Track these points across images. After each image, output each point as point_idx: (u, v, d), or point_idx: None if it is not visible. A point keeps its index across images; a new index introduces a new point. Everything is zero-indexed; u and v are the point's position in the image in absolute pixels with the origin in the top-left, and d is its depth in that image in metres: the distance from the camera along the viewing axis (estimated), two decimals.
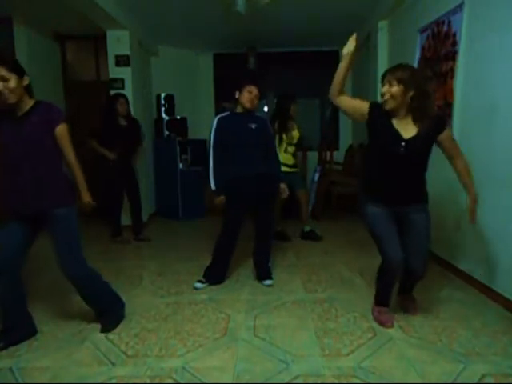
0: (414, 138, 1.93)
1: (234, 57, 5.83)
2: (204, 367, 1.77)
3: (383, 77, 1.96)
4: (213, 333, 2.09)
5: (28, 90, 1.90)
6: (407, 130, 1.95)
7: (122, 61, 4.41)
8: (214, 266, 2.78)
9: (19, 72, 1.83)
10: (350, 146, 5.51)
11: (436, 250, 3.04)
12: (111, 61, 4.42)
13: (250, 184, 2.65)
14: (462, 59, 2.72)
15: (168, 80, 5.56)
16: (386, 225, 2.02)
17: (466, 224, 2.06)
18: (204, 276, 2.78)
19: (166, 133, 5.15)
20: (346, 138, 5.94)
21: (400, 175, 1.98)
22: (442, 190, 2.70)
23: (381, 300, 2.20)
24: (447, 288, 2.66)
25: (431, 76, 3.12)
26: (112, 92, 4.28)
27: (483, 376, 1.67)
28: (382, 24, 4.26)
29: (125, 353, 1.90)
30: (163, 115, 5.16)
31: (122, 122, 3.86)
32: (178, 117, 5.27)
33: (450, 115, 2.85)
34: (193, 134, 5.45)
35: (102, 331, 2.11)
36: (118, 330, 2.14)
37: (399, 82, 1.88)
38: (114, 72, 4.44)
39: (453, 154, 2.00)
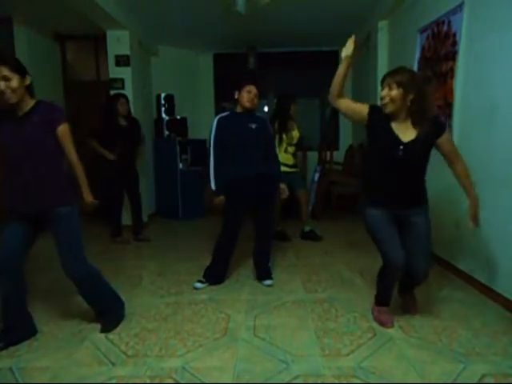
0: (412, 141, 1.93)
1: (234, 57, 5.83)
2: (204, 367, 1.77)
3: (383, 80, 1.97)
4: (213, 333, 2.09)
5: (29, 90, 1.90)
6: (406, 133, 1.95)
7: (121, 61, 4.41)
8: (214, 266, 2.78)
9: (21, 72, 1.84)
10: (350, 146, 5.51)
11: (436, 250, 3.04)
12: (111, 61, 4.42)
13: (249, 184, 2.65)
14: (462, 59, 2.72)
15: (168, 80, 5.57)
16: (387, 227, 2.02)
17: (466, 225, 2.05)
18: (204, 276, 2.78)
19: (166, 133, 5.15)
20: (346, 138, 5.94)
21: (399, 178, 1.98)
22: (442, 190, 2.70)
23: (381, 300, 2.20)
24: (447, 288, 2.66)
25: (431, 76, 3.12)
26: (112, 92, 4.28)
27: (483, 376, 1.67)
28: (382, 24, 4.26)
29: (125, 353, 1.90)
30: (163, 115, 5.16)
31: (122, 122, 3.86)
32: (178, 117, 5.28)
33: (449, 115, 2.85)
34: (193, 134, 5.45)
35: (102, 331, 2.11)
36: (117, 329, 2.14)
37: (399, 85, 1.88)
38: (114, 72, 4.44)
39: (452, 158, 2.00)
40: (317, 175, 4.98)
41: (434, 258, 3.04)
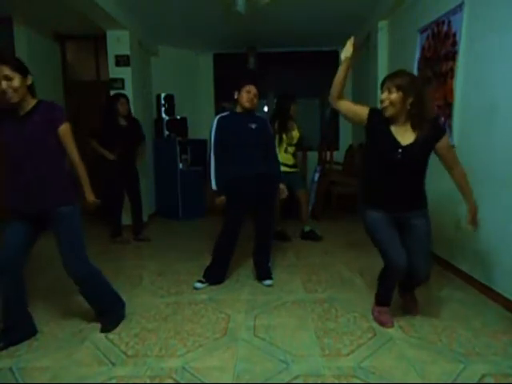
0: (411, 144, 1.93)
1: (234, 57, 5.83)
2: (204, 367, 1.77)
3: (382, 83, 1.97)
4: (213, 333, 2.09)
5: (31, 90, 1.90)
6: (405, 136, 1.95)
7: (122, 61, 4.41)
8: (214, 266, 2.78)
9: (23, 71, 1.84)
10: (350, 146, 5.51)
11: (436, 250, 3.04)
12: (111, 61, 4.43)
13: (249, 184, 2.65)
14: (462, 59, 2.72)
15: (168, 80, 5.57)
16: (387, 229, 2.02)
17: (465, 227, 2.07)
18: (204, 276, 2.78)
19: (166, 133, 5.15)
20: (346, 138, 5.94)
21: (398, 181, 1.99)
22: (443, 190, 2.70)
23: (381, 300, 2.20)
24: (447, 288, 2.66)
25: (431, 76, 3.12)
26: (112, 92, 4.28)
27: (483, 376, 1.67)
28: (382, 24, 4.26)
29: (125, 353, 1.90)
30: (163, 115, 5.16)
31: (123, 122, 3.86)
32: (178, 117, 5.28)
33: (449, 115, 2.85)
34: (193, 134, 5.45)
35: (102, 331, 2.11)
36: (118, 329, 2.14)
37: (398, 88, 1.89)
38: (114, 72, 4.44)
39: (451, 163, 2.00)
40: (317, 175, 4.98)
41: (434, 257, 3.04)
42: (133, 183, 4.00)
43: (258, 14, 3.96)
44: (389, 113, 1.94)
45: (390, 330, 2.08)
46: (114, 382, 1.68)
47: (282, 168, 3.05)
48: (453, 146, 2.77)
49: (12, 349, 1.95)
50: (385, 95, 1.93)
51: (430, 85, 3.13)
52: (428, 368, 1.73)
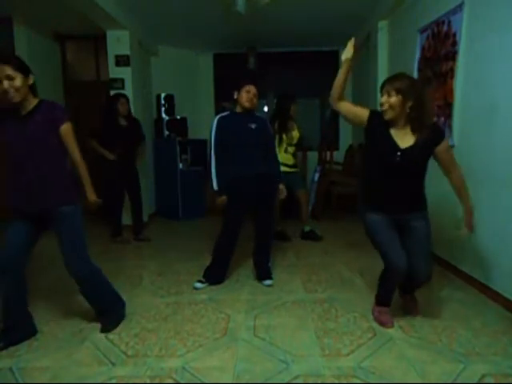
0: (411, 147, 1.94)
1: (234, 57, 5.83)
2: (204, 367, 1.77)
3: (382, 87, 1.97)
4: (213, 333, 2.09)
5: (32, 89, 1.90)
6: (404, 139, 1.96)
7: (122, 61, 4.41)
8: (214, 266, 2.78)
9: (25, 71, 1.84)
10: (350, 146, 5.51)
11: (436, 251, 3.04)
12: (111, 61, 4.42)
13: (250, 184, 2.65)
14: (462, 59, 2.72)
15: (168, 80, 5.57)
16: (387, 231, 2.02)
17: (462, 228, 2.09)
18: (204, 276, 2.78)
19: (166, 133, 5.15)
20: (346, 138, 5.94)
21: (398, 183, 1.99)
22: (442, 190, 2.70)
23: (382, 301, 2.20)
24: (447, 288, 2.66)
25: (431, 76, 3.12)
26: (112, 92, 4.28)
27: (483, 376, 1.67)
28: (382, 24, 4.26)
29: (125, 353, 1.90)
30: (163, 115, 5.16)
31: (123, 122, 3.86)
32: (178, 117, 5.28)
33: (449, 115, 2.86)
34: (193, 134, 5.45)
35: (102, 331, 2.11)
36: (118, 329, 2.14)
37: (398, 92, 1.89)
38: (114, 72, 4.44)
39: (449, 167, 2.00)
40: (317, 175, 4.98)
41: (435, 258, 3.04)
42: (133, 183, 4.00)
43: (258, 14, 3.96)
44: (388, 116, 1.94)
45: (390, 330, 2.08)
46: (113, 381, 1.68)
47: (282, 168, 3.05)
48: (453, 146, 2.78)
49: (12, 349, 1.95)
50: (384, 98, 1.93)
51: (429, 85, 3.13)
52: (428, 368, 1.73)
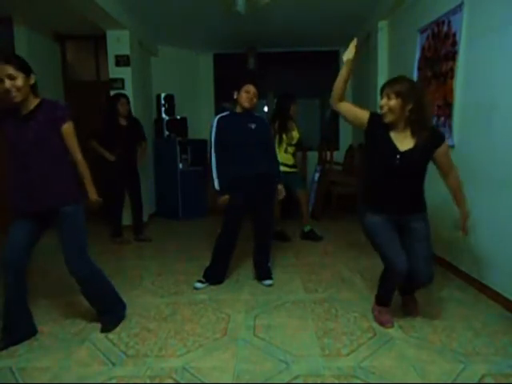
0: (410, 150, 1.94)
1: (234, 57, 5.83)
2: (204, 367, 1.77)
3: (382, 89, 1.97)
4: (213, 333, 2.09)
5: (33, 89, 1.90)
6: (404, 142, 1.96)
7: (122, 61, 4.41)
8: (214, 266, 2.78)
9: (26, 71, 1.84)
10: (350, 146, 5.51)
11: (436, 251, 3.03)
12: (111, 61, 4.42)
13: (249, 184, 2.65)
14: (462, 59, 2.72)
15: (168, 80, 5.57)
16: (387, 232, 2.02)
17: (459, 231, 2.11)
18: (204, 276, 2.78)
19: (166, 133, 5.15)
20: (346, 138, 5.94)
21: (398, 185, 1.99)
22: (442, 190, 2.70)
23: (382, 300, 2.19)
24: (447, 288, 2.66)
25: (431, 76, 3.12)
26: (112, 92, 4.28)
27: (483, 376, 1.67)
28: (382, 24, 4.26)
29: (125, 353, 1.90)
30: (163, 115, 5.16)
31: (123, 122, 3.86)
32: (178, 117, 5.28)
33: (449, 115, 2.86)
34: (193, 134, 5.45)
35: (102, 331, 2.11)
36: (117, 329, 2.14)
37: (397, 95, 1.89)
38: (114, 72, 4.44)
39: (447, 171, 2.01)
40: (317, 175, 4.99)
41: (435, 258, 3.04)
42: (133, 183, 4.00)
43: (258, 14, 3.95)
44: (388, 119, 1.94)
45: (390, 330, 2.08)
46: (113, 381, 1.68)
47: (282, 168, 3.05)
48: (452, 146, 2.78)
49: (12, 349, 1.95)
50: (384, 101, 1.94)
51: (429, 85, 3.13)
52: (428, 368, 1.73)
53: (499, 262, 2.38)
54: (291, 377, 1.69)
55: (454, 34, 2.78)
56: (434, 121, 3.04)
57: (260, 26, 4.75)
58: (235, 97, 2.69)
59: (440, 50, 2.99)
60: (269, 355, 1.86)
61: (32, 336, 2.06)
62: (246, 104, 2.66)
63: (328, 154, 4.98)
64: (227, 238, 2.73)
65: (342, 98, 2.06)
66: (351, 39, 2.03)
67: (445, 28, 2.92)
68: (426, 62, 3.24)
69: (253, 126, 2.69)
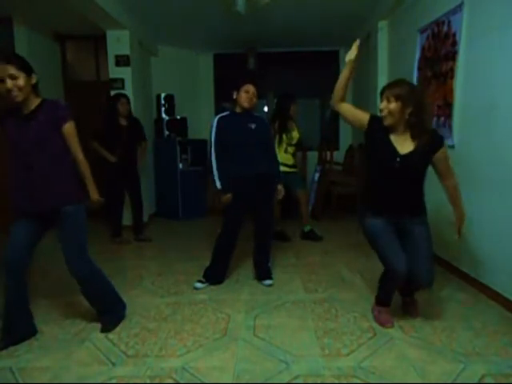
0: (410, 153, 1.94)
1: (234, 57, 5.83)
2: (204, 367, 1.77)
3: (382, 92, 1.97)
4: (213, 333, 2.09)
5: (35, 89, 1.90)
6: (404, 145, 1.96)
7: (122, 61, 4.41)
8: (214, 266, 2.78)
9: (27, 70, 1.84)
10: (350, 146, 5.51)
11: (436, 251, 3.03)
12: (111, 61, 4.42)
13: (249, 184, 2.65)
14: (462, 59, 2.72)
15: (168, 80, 5.56)
16: (387, 234, 2.02)
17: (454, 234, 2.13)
18: (204, 276, 2.78)
19: (166, 133, 5.15)
20: (346, 138, 5.94)
21: (398, 188, 2.00)
22: (442, 191, 2.70)
23: (382, 301, 2.20)
24: (447, 288, 2.66)
25: (431, 76, 3.12)
26: (112, 92, 4.28)
27: (483, 376, 1.67)
28: (382, 24, 4.26)
29: (125, 353, 1.90)
30: (163, 115, 5.16)
31: (123, 122, 3.86)
32: (178, 117, 5.27)
33: (449, 115, 2.85)
34: (193, 134, 5.45)
35: (102, 331, 2.11)
36: (117, 329, 2.14)
37: (397, 98, 1.89)
38: (114, 72, 4.44)
39: (446, 174, 2.02)
40: (317, 175, 4.99)
41: (435, 258, 3.04)
42: (133, 183, 4.00)
43: (258, 14, 3.96)
44: (387, 122, 1.95)
45: (390, 330, 2.08)
46: (113, 381, 1.68)
47: (282, 168, 3.05)
48: (452, 146, 2.78)
49: (12, 349, 1.95)
50: (384, 104, 1.94)
51: (429, 85, 3.13)
52: (428, 368, 1.73)
53: (499, 262, 2.38)
54: (291, 377, 1.69)
55: (454, 34, 2.78)
56: (434, 121, 3.04)
57: (260, 26, 4.74)
58: (235, 97, 2.69)
59: (440, 50, 2.99)
60: (269, 355, 1.87)
61: (32, 336, 2.06)
62: (246, 104, 2.65)
63: (328, 153, 4.98)
64: (227, 237, 2.73)
65: (343, 99, 2.07)
66: (351, 39, 2.04)
67: (445, 28, 2.92)
68: (426, 62, 3.24)
69: (253, 126, 2.69)
